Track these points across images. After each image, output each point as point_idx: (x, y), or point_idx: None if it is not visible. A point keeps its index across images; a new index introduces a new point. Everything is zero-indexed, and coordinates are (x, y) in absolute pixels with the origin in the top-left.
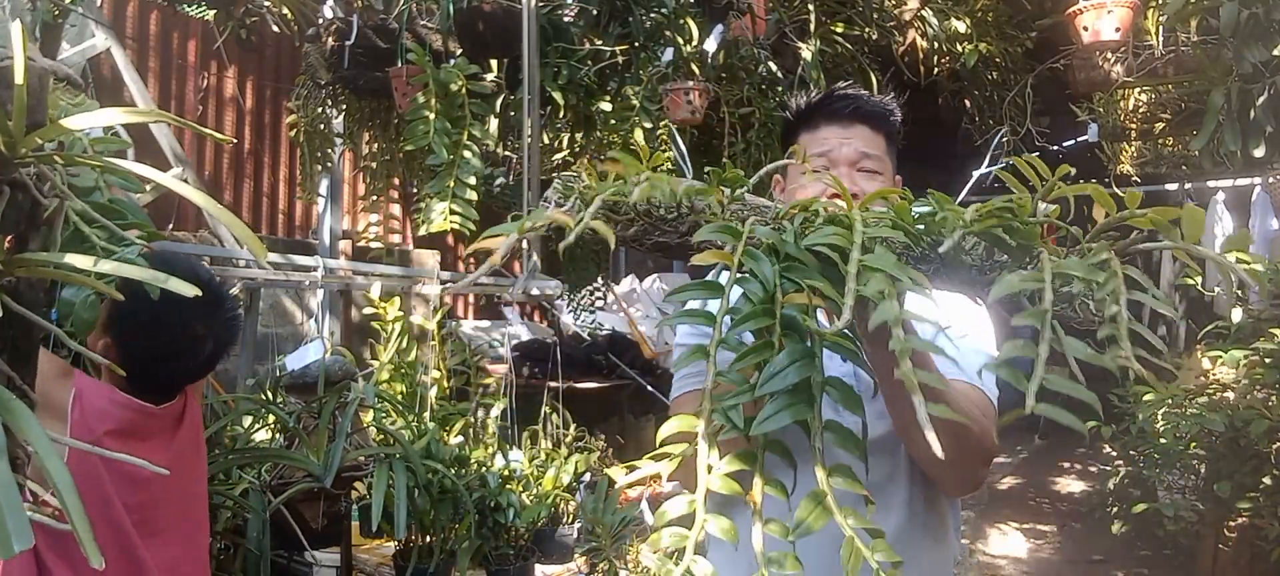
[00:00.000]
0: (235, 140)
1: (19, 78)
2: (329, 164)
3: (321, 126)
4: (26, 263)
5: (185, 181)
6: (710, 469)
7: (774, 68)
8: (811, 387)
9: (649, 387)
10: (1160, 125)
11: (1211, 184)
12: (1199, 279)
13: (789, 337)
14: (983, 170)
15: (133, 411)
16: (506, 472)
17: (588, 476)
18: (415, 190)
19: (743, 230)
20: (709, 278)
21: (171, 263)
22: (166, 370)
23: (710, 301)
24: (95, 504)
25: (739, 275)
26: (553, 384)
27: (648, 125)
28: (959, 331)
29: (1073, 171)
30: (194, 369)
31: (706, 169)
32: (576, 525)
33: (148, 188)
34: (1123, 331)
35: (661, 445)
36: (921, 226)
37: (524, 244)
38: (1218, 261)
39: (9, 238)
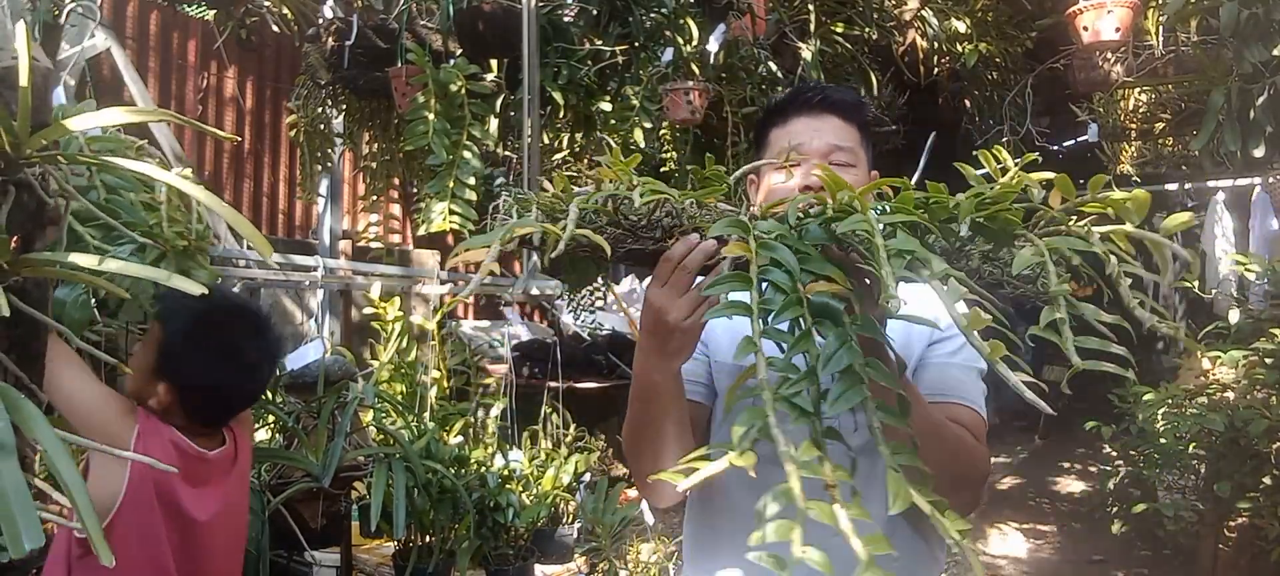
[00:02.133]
0: (238, 138)
1: (23, 78)
2: (329, 164)
3: (321, 126)
4: (32, 262)
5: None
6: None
7: (774, 68)
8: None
9: None
10: (1160, 125)
11: (1211, 184)
12: (1196, 283)
13: (824, 324)
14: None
15: (191, 459)
16: (506, 472)
17: (588, 476)
18: (415, 190)
19: (751, 224)
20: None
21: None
22: (225, 400)
23: (741, 293)
24: (148, 543)
25: (760, 265)
26: (553, 384)
27: (648, 125)
28: (952, 332)
29: (1039, 158)
30: (249, 394)
31: (689, 167)
32: (576, 525)
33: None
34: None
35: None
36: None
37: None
38: (1153, 241)
39: (14, 238)
